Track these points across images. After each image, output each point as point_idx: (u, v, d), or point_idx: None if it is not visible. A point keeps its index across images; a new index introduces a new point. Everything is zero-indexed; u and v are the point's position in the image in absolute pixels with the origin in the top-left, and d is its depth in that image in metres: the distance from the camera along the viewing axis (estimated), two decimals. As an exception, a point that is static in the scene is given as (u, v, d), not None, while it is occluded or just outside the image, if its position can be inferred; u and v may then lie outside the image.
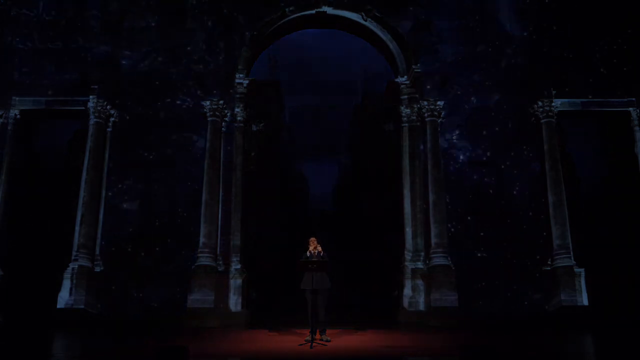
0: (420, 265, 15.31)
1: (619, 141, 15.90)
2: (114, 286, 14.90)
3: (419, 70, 16.16)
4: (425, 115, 15.93)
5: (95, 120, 15.63)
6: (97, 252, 15.08)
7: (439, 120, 15.92)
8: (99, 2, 16.38)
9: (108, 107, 15.73)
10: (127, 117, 15.90)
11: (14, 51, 16.03)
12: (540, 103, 15.80)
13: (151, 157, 15.69)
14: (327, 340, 11.25)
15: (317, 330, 11.20)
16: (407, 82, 16.45)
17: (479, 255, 15.18)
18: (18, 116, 15.76)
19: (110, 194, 15.47)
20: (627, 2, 16.35)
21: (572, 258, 14.90)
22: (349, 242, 20.46)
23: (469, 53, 16.29)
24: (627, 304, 14.28)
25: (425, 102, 15.93)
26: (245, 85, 16.29)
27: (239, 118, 16.16)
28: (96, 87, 15.73)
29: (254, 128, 16.86)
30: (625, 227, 15.16)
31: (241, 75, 16.28)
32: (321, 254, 11.42)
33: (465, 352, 8.22)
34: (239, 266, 15.36)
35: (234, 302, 15.13)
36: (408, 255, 15.57)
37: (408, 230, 15.78)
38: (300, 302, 11.66)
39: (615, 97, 15.94)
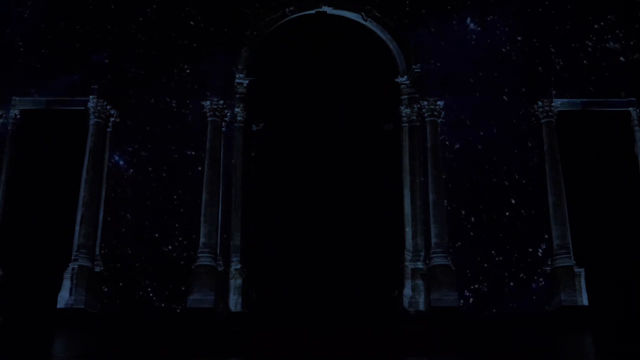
0: (420, 265, 15.31)
1: (619, 141, 15.89)
2: (114, 286, 14.90)
3: (419, 70, 16.16)
4: (425, 115, 15.94)
5: (95, 120, 15.62)
6: (97, 252, 15.07)
7: (439, 120, 15.93)
8: (99, 2, 16.36)
9: (108, 107, 15.73)
10: (127, 117, 15.89)
11: (14, 51, 16.01)
12: (540, 103, 15.80)
13: (151, 157, 15.68)
14: None
15: None
16: (407, 82, 16.44)
17: (479, 255, 15.18)
18: (18, 116, 15.74)
19: (110, 193, 15.47)
20: (627, 2, 16.35)
21: (572, 258, 14.90)
22: (348, 242, 20.35)
23: (469, 53, 16.27)
24: (627, 304, 14.27)
25: (425, 102, 15.93)
26: (245, 85, 16.30)
27: (239, 118, 16.17)
28: (96, 87, 15.71)
29: (254, 128, 16.87)
30: (625, 227, 15.15)
31: (241, 75, 16.28)
32: None
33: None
34: (239, 266, 15.36)
35: (234, 302, 15.13)
36: (408, 255, 15.57)
37: (408, 230, 15.79)
38: (302, 302, 11.67)
39: (615, 97, 15.94)
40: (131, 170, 15.65)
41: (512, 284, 14.97)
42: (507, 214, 15.40)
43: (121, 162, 15.68)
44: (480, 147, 15.80)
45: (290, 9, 16.57)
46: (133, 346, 11.55)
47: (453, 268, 14.91)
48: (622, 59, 16.08)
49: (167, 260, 15.12)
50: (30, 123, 15.86)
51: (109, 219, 15.33)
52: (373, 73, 16.86)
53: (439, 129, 15.86)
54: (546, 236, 15.20)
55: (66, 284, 14.52)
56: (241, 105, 16.22)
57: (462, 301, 14.66)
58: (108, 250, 15.14)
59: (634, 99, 15.86)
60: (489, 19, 16.45)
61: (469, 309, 14.65)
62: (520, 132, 15.88)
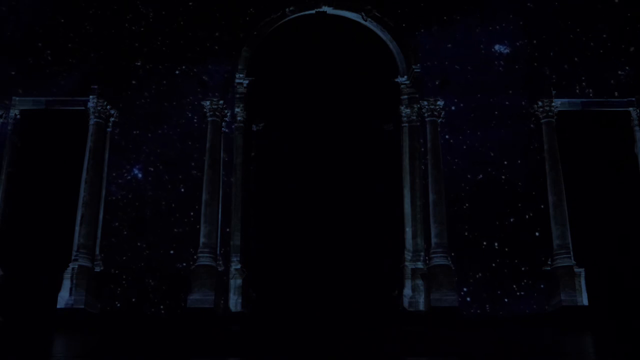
0: (420, 265, 15.31)
1: (619, 141, 15.89)
2: (114, 286, 14.91)
3: (419, 70, 16.18)
4: (425, 115, 15.94)
5: (95, 120, 15.64)
6: (97, 252, 15.09)
7: (439, 120, 15.93)
8: (98, 3, 16.37)
9: (108, 107, 15.74)
10: (127, 118, 15.91)
11: (14, 51, 16.02)
12: (540, 103, 15.81)
13: (151, 157, 15.69)
14: None
15: None
16: (407, 82, 16.45)
17: (479, 255, 15.18)
18: (18, 116, 15.75)
19: (110, 194, 15.48)
20: (627, 2, 16.36)
21: (572, 258, 14.90)
22: (348, 242, 20.39)
23: (469, 53, 16.28)
24: (627, 304, 14.28)
25: (425, 102, 15.95)
26: (245, 85, 16.31)
27: (239, 118, 16.19)
28: (96, 87, 15.74)
29: (254, 128, 16.91)
30: (625, 227, 15.16)
31: (241, 75, 16.30)
32: None
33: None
34: (239, 266, 15.37)
35: (234, 302, 15.14)
36: (408, 255, 15.57)
37: (408, 230, 15.79)
38: (302, 302, 11.67)
39: (615, 97, 15.95)
40: (131, 170, 15.65)
41: (512, 283, 14.96)
42: (507, 214, 15.40)
43: (121, 162, 15.68)
44: (480, 147, 15.80)
45: (290, 9, 16.57)
46: (133, 346, 11.56)
47: (453, 268, 14.92)
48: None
49: (167, 260, 15.13)
50: (30, 123, 15.87)
51: (109, 218, 15.34)
52: (373, 73, 16.87)
53: (439, 129, 15.87)
54: (546, 236, 15.20)
55: (66, 284, 14.52)
56: (241, 105, 16.24)
57: (461, 301, 14.66)
58: (108, 250, 15.15)
59: (634, 99, 15.87)
60: (489, 18, 16.45)
61: (469, 309, 14.66)
62: (520, 132, 15.89)
